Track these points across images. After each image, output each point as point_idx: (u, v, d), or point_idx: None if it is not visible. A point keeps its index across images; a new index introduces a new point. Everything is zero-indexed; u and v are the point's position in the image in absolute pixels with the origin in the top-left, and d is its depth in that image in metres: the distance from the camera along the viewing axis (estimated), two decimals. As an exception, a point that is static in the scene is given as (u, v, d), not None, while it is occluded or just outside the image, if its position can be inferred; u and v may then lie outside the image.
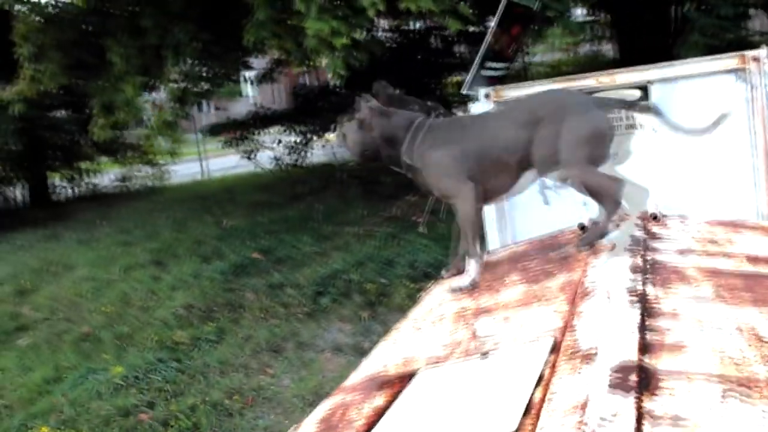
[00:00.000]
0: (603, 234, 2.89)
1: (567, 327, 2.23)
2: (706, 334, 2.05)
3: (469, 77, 3.70)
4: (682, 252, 2.92)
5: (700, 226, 3.35)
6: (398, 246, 7.44)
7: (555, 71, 16.89)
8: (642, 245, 2.95)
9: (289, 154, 12.99)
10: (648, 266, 2.69)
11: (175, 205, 13.06)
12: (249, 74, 17.33)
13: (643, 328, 2.09)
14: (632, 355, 1.89)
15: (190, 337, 6.36)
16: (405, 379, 2.27)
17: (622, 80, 3.75)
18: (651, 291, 2.43)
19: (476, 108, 3.87)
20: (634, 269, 2.65)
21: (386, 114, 3.06)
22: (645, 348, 1.95)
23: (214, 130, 15.00)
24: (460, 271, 3.11)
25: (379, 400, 2.15)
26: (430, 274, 6.64)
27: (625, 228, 3.14)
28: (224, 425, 4.92)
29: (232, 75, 9.81)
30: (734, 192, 3.66)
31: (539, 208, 3.99)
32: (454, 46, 12.70)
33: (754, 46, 4.23)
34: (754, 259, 2.81)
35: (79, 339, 7.05)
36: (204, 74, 8.69)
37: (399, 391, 2.17)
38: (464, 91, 3.79)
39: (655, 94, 3.69)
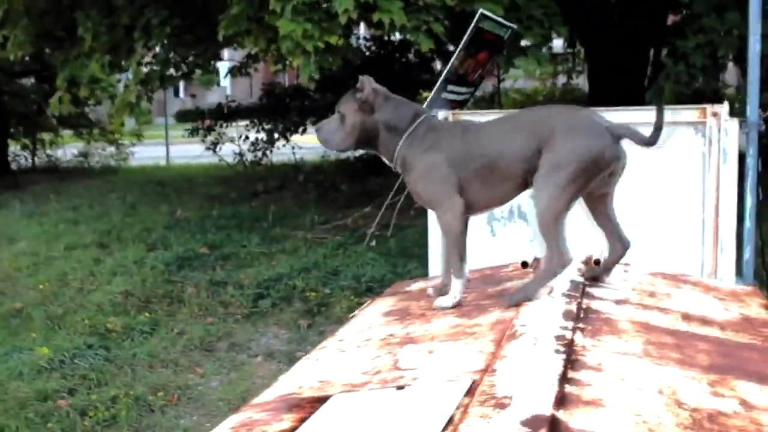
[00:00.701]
0: (528, 298, 2.73)
1: (488, 369, 2.17)
2: (625, 393, 2.00)
3: (430, 98, 3.63)
4: (618, 302, 2.89)
5: (641, 277, 3.32)
6: (346, 257, 7.36)
7: (529, 100, 16.99)
8: (580, 291, 2.91)
9: (252, 150, 12.85)
10: (581, 314, 2.65)
11: (131, 188, 12.86)
12: (223, 65, 17.19)
13: (563, 380, 2.03)
14: (546, 407, 1.84)
15: (123, 326, 6.21)
16: (316, 403, 2.19)
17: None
18: (579, 340, 2.38)
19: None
20: (567, 316, 2.60)
21: (392, 99, 2.89)
22: (561, 401, 1.89)
23: (183, 117, 14.83)
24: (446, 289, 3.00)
25: (286, 423, 2.07)
26: (373, 289, 6.57)
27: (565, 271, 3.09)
28: (144, 421, 4.78)
29: (202, 64, 9.65)
30: (681, 244, 3.64)
31: (485, 239, 3.94)
32: (431, 62, 12.70)
33: (724, 98, 4.24)
34: (688, 317, 2.79)
35: (10, 315, 6.86)
36: (172, 60, 8.53)
37: (307, 416, 2.09)
38: (423, 113, 3.72)
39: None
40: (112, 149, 18.07)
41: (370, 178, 11.47)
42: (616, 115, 3.73)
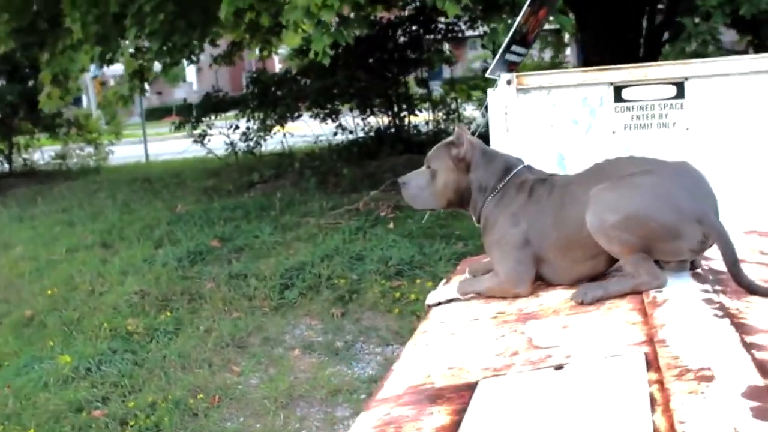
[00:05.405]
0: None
1: (653, 340, 1.94)
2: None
3: (494, 61, 3.39)
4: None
5: (739, 235, 3.10)
6: (367, 240, 7.08)
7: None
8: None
9: (245, 140, 12.51)
10: (710, 275, 2.43)
11: (117, 186, 12.46)
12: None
13: (746, 346, 1.82)
14: (755, 377, 1.62)
15: (144, 327, 5.89)
16: (461, 391, 1.94)
17: (655, 75, 3.49)
18: (728, 303, 2.17)
19: (495, 95, 3.56)
20: (698, 278, 2.39)
21: (487, 153, 2.56)
22: (763, 369, 1.67)
23: (152, 115, 14.49)
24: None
25: (440, 417, 1.82)
26: (403, 272, 6.33)
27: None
28: (189, 426, 4.50)
29: (193, 52, 9.30)
30: (764, 205, 3.43)
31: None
32: (420, 41, 12.43)
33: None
34: (818, 276, 2.58)
35: (21, 323, 6.53)
36: (165, 49, 8.17)
37: (462, 407, 1.84)
38: (488, 75, 3.48)
39: (691, 91, 3.45)
40: (90, 149, 17.64)
41: (366, 162, 11.22)
42: (684, 69, 3.50)
